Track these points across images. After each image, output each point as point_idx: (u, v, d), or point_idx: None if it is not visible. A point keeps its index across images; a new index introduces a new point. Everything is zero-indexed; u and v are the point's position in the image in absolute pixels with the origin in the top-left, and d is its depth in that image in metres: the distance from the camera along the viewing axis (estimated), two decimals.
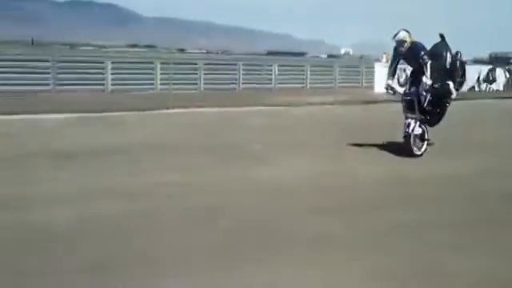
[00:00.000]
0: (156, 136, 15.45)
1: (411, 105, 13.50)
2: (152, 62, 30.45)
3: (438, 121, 13.90)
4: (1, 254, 6.58)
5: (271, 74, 33.72)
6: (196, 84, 30.52)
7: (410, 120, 13.38)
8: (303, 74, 35.47)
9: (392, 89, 13.84)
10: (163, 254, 6.70)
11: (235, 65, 33.53)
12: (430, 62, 13.33)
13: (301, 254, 6.81)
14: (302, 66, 36.49)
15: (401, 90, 14.27)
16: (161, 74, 29.05)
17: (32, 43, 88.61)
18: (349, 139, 14.73)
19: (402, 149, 13.18)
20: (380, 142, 14.40)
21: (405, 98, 13.65)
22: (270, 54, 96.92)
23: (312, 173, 11.29)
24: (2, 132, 15.28)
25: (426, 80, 13.31)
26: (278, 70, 33.97)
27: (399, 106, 13.83)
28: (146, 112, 20.23)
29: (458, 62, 14.02)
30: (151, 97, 24.89)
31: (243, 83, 32.37)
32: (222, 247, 7.00)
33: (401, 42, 13.57)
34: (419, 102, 13.46)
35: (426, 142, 13.57)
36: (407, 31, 13.65)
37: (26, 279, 5.97)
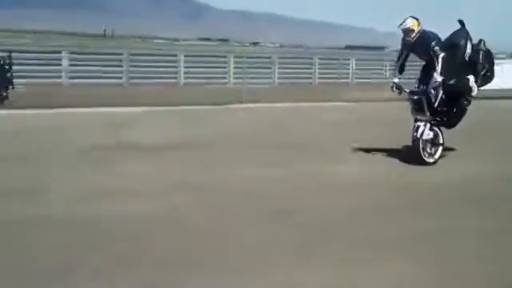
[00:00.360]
0: (230, 130, 15.32)
1: (420, 105, 11.81)
2: (225, 56, 30.18)
3: (455, 123, 12.15)
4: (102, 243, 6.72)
5: (348, 69, 32.96)
6: (270, 78, 30.10)
7: (418, 123, 11.72)
8: (382, 69, 34.52)
9: (398, 88, 12.06)
10: (239, 250, 6.65)
11: (311, 59, 32.98)
12: (442, 55, 11.57)
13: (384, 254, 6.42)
14: (381, 61, 35.52)
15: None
16: (234, 67, 28.72)
17: (105, 36, 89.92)
18: None
19: (411, 156, 11.63)
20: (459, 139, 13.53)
21: (411, 97, 11.94)
22: (348, 48, 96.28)
23: (389, 170, 11.06)
24: (77, 125, 15.22)
25: (436, 76, 11.57)
26: (356, 65, 33.19)
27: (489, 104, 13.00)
28: (219, 106, 19.94)
29: (481, 53, 12.10)
30: (224, 91, 24.61)
31: (319, 78, 31.78)
32: (299, 244, 6.86)
33: (407, 31, 11.85)
34: (429, 101, 11.75)
35: (440, 148, 11.88)
36: (416, 18, 11.91)
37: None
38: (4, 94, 18.48)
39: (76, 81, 24.97)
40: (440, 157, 11.79)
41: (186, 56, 29.19)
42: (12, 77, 18.90)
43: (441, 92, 11.72)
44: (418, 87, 11.95)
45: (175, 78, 28.07)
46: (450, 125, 12.14)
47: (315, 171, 10.77)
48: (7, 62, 18.97)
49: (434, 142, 11.81)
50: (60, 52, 26.30)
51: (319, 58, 33.30)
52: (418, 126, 11.62)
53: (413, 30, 11.78)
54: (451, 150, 12.51)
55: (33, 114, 16.89)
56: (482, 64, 12.14)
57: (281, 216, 7.95)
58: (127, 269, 6.08)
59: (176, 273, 6.02)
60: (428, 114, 11.75)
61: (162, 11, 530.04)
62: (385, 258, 6.48)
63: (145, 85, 24.68)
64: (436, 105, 11.74)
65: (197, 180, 9.83)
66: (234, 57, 29.51)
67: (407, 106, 12.02)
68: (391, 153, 12.34)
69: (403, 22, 11.88)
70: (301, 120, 17.99)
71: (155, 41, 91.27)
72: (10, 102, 18.32)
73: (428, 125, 11.69)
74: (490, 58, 12.42)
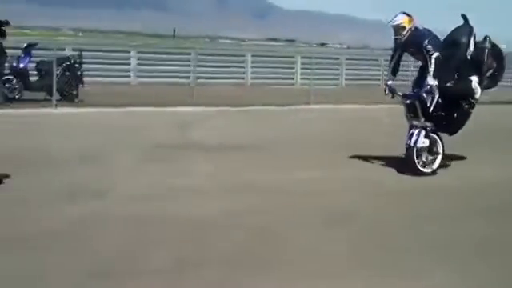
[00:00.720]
0: (296, 131, 15.27)
1: (413, 110, 10.84)
2: (293, 57, 30.06)
3: (456, 129, 11.19)
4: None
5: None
6: (337, 79, 29.85)
7: (413, 129, 10.74)
8: None
9: (392, 91, 11.03)
10: (300, 252, 6.59)
11: (377, 60, 32.58)
12: (435, 55, 10.51)
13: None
14: None
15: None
16: (301, 68, 28.56)
17: (174, 36, 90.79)
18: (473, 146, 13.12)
19: (406, 165, 10.74)
20: None
21: (404, 101, 11.00)
22: None
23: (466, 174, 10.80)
24: (143, 123, 15.33)
25: (429, 79, 10.56)
26: None
27: None
28: (286, 107, 19.85)
29: (486, 51, 11.04)
30: (291, 92, 24.51)
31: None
32: (356, 250, 6.76)
33: (398, 29, 10.79)
34: (423, 106, 10.74)
35: (439, 157, 10.84)
36: (407, 14, 10.86)
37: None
38: (74, 92, 18.74)
39: (144, 80, 25.21)
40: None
41: (253, 56, 29.16)
42: (82, 75, 19.15)
43: (436, 95, 10.68)
44: (413, 90, 11.08)
45: (242, 78, 28.07)
46: (451, 131, 11.21)
47: (381, 175, 10.68)
48: (78, 60, 19.23)
49: (430, 151, 10.82)
50: (129, 51, 26.60)
51: (385, 60, 32.83)
52: (412, 133, 10.69)
53: (403, 27, 10.76)
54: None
55: (101, 112, 17.09)
56: (488, 64, 11.17)
57: (344, 219, 7.88)
58: (192, 267, 6.07)
59: (241, 273, 5.99)
60: (423, 119, 10.79)
61: (229, 11, 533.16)
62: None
63: (212, 85, 24.74)
64: (431, 110, 10.74)
65: (262, 180, 9.82)
66: (302, 57, 29.35)
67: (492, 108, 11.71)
68: (461, 158, 12.06)
69: (393, 18, 10.91)
70: (368, 122, 17.77)
71: (222, 41, 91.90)
72: (80, 100, 18.58)
73: (423, 132, 10.71)
74: (498, 56, 11.45)
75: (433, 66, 10.52)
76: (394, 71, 11.23)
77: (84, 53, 20.27)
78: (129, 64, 25.90)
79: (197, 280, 5.80)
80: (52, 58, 18.43)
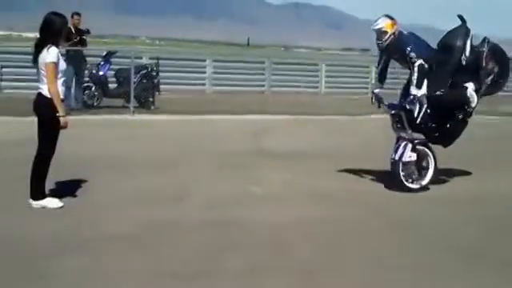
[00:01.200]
0: (370, 141, 15.10)
1: (400, 121, 10.02)
2: (367, 66, 29.87)
3: (450, 140, 10.28)
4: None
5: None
6: None
7: (400, 142, 9.94)
8: None
9: (378, 100, 10.23)
10: (369, 262, 6.55)
11: None
12: (418, 63, 9.61)
13: None
14: None
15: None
16: (375, 78, 28.37)
17: (248, 45, 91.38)
18: None
19: (392, 180, 10.01)
20: None
21: (389, 112, 10.16)
22: None
23: None
24: (218, 131, 15.47)
25: (412, 89, 9.69)
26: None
27: None
28: (360, 116, 19.74)
29: (484, 55, 10.07)
30: (365, 101, 24.31)
31: None
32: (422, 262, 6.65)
33: (379, 33, 9.88)
34: (409, 116, 9.83)
35: (430, 171, 10.01)
36: (390, 18, 9.94)
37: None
38: (151, 99, 19.08)
39: (219, 88, 25.46)
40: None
41: (327, 65, 29.14)
42: (159, 83, 19.49)
43: (424, 105, 9.74)
44: (400, 99, 10.14)
45: (316, 87, 28.07)
46: (445, 143, 10.31)
47: (453, 186, 10.54)
48: (154, 68, 19.58)
49: (419, 165, 10.00)
50: (205, 60, 26.91)
51: None
52: (398, 146, 9.87)
53: (385, 32, 9.84)
54: None
55: (177, 119, 17.34)
56: (488, 69, 10.20)
57: (409, 229, 7.92)
58: (267, 273, 6.17)
59: (314, 280, 6.06)
60: (409, 131, 9.95)
61: (305, 21, 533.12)
62: None
63: (286, 93, 24.81)
64: (418, 120, 9.82)
65: (337, 189, 9.90)
66: (376, 67, 29.11)
67: None
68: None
69: (375, 21, 10.05)
70: None
71: (297, 50, 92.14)
72: (156, 108, 18.91)
73: (410, 145, 9.85)
74: (501, 60, 10.46)
75: (416, 74, 9.67)
76: (381, 79, 10.44)
77: (160, 61, 20.63)
78: (204, 72, 26.20)
79: (270, 285, 5.90)
80: (130, 66, 18.83)
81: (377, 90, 10.29)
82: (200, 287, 5.87)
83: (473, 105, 10.06)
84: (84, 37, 17.87)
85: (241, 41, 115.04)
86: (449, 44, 10.07)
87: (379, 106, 10.32)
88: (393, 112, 10.05)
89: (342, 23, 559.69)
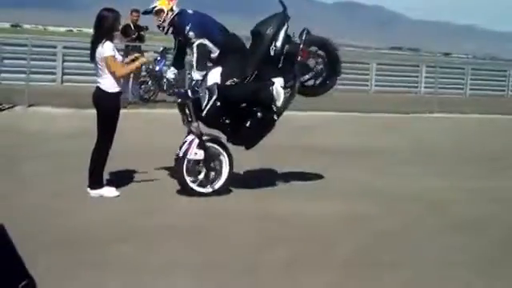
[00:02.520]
0: (418, 140, 15.18)
1: (186, 112, 8.80)
2: (417, 65, 29.87)
3: (250, 141, 9.12)
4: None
5: None
6: (462, 89, 29.47)
7: (188, 136, 8.76)
8: None
9: (170, 86, 9.23)
10: (420, 259, 6.60)
11: (505, 71, 31.86)
12: (197, 43, 8.72)
13: None
14: None
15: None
16: (425, 77, 28.39)
17: None
18: None
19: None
20: None
21: (176, 100, 9.11)
22: None
23: None
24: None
25: (193, 73, 8.81)
26: None
27: None
28: (410, 115, 19.83)
29: (300, 48, 9.02)
30: (415, 100, 24.38)
31: None
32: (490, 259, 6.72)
33: (156, 13, 9.02)
34: (196, 106, 8.65)
35: (223, 175, 8.89)
36: None
37: None
38: None
39: None
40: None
41: (378, 64, 29.20)
42: None
43: (214, 96, 8.54)
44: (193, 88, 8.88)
45: (366, 85, 28.14)
46: (244, 143, 9.09)
47: (503, 187, 10.49)
48: None
49: (208, 166, 8.83)
50: None
51: None
52: (185, 142, 8.70)
53: (161, 10, 8.98)
54: None
55: None
56: (306, 65, 9.25)
57: (466, 229, 7.88)
58: (315, 267, 6.26)
59: (361, 275, 6.16)
60: (196, 124, 8.72)
61: (354, 20, 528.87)
62: None
63: (337, 90, 24.91)
64: (205, 113, 8.64)
65: (385, 186, 9.97)
66: (427, 66, 29.14)
67: None
68: None
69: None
70: (492, 132, 17.62)
71: (347, 49, 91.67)
72: None
73: (197, 140, 8.67)
74: (329, 57, 9.44)
75: (195, 55, 8.72)
76: (176, 63, 9.50)
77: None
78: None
79: (313, 279, 5.98)
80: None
81: (170, 75, 9.30)
82: (247, 280, 5.92)
83: (278, 103, 8.95)
84: (142, 33, 18.30)
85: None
86: (258, 31, 8.99)
87: (170, 94, 9.57)
88: (179, 101, 8.91)
89: (391, 22, 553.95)
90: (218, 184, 8.87)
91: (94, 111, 8.69)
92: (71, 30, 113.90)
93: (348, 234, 7.42)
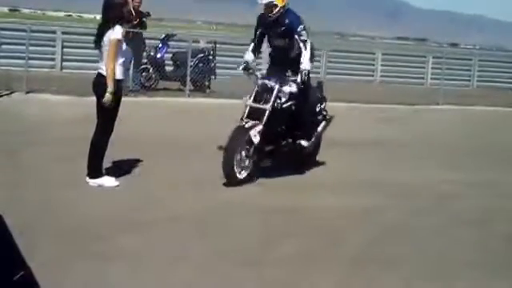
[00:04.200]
0: (424, 131, 15.14)
1: (266, 95, 9.36)
2: (424, 56, 29.60)
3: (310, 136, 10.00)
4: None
5: None
6: (468, 81, 29.19)
7: (251, 122, 9.24)
8: None
9: (248, 69, 9.77)
10: (431, 254, 6.57)
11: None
12: (310, 41, 9.60)
13: None
14: None
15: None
16: (432, 68, 28.11)
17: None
18: None
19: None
20: None
21: (262, 82, 9.54)
22: None
23: None
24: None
25: (305, 64, 9.37)
26: None
27: None
28: (416, 106, 19.63)
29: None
30: (421, 91, 24.19)
31: None
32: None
33: (269, 7, 9.48)
34: (279, 95, 9.35)
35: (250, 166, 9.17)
36: None
37: None
38: (206, 83, 19.22)
39: None
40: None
41: (383, 54, 28.94)
42: (215, 67, 19.60)
43: (293, 102, 9.49)
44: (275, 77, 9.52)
45: (372, 75, 27.92)
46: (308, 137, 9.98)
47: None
48: (211, 52, 19.69)
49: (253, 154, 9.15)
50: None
51: None
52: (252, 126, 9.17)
53: (275, 6, 9.45)
54: None
55: (231, 103, 17.42)
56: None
57: (475, 224, 7.82)
58: (321, 263, 6.23)
59: (370, 270, 6.10)
60: (271, 108, 9.23)
61: (360, 9, 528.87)
62: None
63: (341, 81, 24.76)
64: (278, 107, 9.33)
65: (394, 178, 9.91)
66: (433, 57, 28.87)
67: None
68: None
69: None
70: (499, 125, 17.41)
71: (352, 38, 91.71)
72: (212, 91, 19.04)
73: (261, 126, 9.15)
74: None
75: (309, 51, 9.47)
76: (255, 51, 10.12)
77: (225, 46, 20.72)
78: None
79: (324, 275, 5.94)
80: (187, 50, 18.97)
81: (249, 58, 9.92)
82: (253, 273, 5.91)
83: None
84: (144, 19, 18.04)
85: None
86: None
87: (249, 74, 9.86)
88: (267, 83, 9.45)
89: (397, 12, 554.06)
90: (245, 174, 9.16)
91: (93, 98, 8.62)
92: (70, 15, 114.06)
93: (353, 228, 7.40)
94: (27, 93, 16.06)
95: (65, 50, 21.95)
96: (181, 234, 6.82)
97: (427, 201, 8.81)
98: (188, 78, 18.43)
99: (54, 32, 22.72)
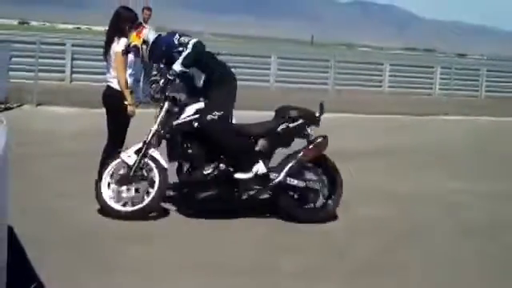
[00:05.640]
0: (435, 142, 15.07)
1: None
2: (432, 67, 29.63)
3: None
4: None
5: None
6: (477, 91, 29.19)
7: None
8: None
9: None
10: (442, 263, 6.52)
11: None
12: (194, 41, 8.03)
13: None
14: None
15: None
16: (440, 78, 28.16)
17: (312, 43, 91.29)
18: None
19: None
20: None
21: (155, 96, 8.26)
22: None
23: None
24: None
25: (175, 66, 7.88)
26: None
27: None
28: (424, 117, 19.67)
29: None
30: (429, 101, 24.22)
31: None
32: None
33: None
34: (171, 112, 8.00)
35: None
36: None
37: None
38: None
39: (283, 85, 25.51)
40: None
41: (391, 65, 28.99)
42: None
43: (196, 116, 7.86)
44: None
45: (380, 86, 27.97)
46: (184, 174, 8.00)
47: None
48: None
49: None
50: (270, 57, 26.96)
51: None
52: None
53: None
54: None
55: (237, 114, 17.46)
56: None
57: (479, 234, 7.83)
58: (328, 272, 6.21)
59: (376, 278, 6.11)
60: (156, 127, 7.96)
61: (368, 20, 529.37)
62: None
63: (349, 91, 24.78)
64: (176, 124, 7.96)
65: (395, 188, 9.86)
66: (442, 67, 28.90)
67: None
68: None
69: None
70: (508, 135, 17.44)
71: (360, 49, 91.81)
72: None
73: (140, 145, 7.85)
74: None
75: (187, 53, 7.93)
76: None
77: (225, 57, 20.78)
78: (269, 69, 26.27)
79: (324, 283, 5.95)
80: None
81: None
82: (258, 285, 5.88)
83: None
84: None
85: (303, 38, 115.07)
86: None
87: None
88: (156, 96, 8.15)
89: (406, 22, 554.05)
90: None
91: (103, 111, 8.57)
92: (79, 28, 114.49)
93: (361, 238, 7.38)
94: (37, 105, 16.16)
95: (74, 62, 22.11)
96: (193, 243, 6.82)
97: (436, 210, 8.79)
98: None
99: (63, 44, 22.89)
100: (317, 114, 8.20)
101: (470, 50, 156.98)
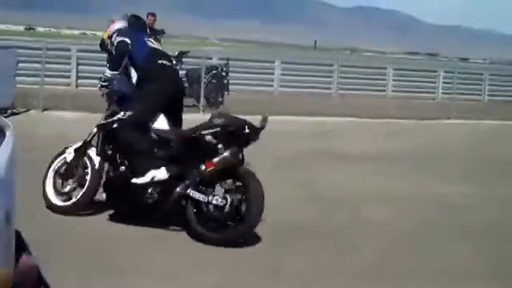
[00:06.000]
0: (436, 146, 15.06)
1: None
2: (435, 71, 29.69)
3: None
4: None
5: None
6: (480, 95, 29.24)
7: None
8: None
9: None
10: (438, 263, 6.49)
11: None
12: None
13: None
14: None
15: None
16: (443, 82, 28.23)
17: (315, 48, 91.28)
18: None
19: None
20: None
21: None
22: None
23: None
24: (284, 132, 15.58)
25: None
26: None
27: None
28: (427, 121, 19.71)
29: None
30: (432, 105, 24.26)
31: None
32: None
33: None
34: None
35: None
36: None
37: None
38: (220, 99, 19.41)
39: (287, 90, 25.59)
40: None
41: (395, 69, 29.06)
42: (228, 83, 19.80)
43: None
44: None
45: (383, 90, 28.04)
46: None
47: None
48: (224, 69, 19.91)
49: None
50: (273, 61, 27.06)
51: None
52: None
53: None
54: None
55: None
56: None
57: (479, 238, 7.83)
58: (328, 274, 6.27)
59: (372, 283, 6.13)
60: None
61: (371, 24, 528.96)
62: None
63: (353, 96, 24.86)
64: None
65: (397, 191, 9.87)
66: (445, 72, 28.97)
67: None
68: None
69: None
70: (510, 139, 17.41)
71: (364, 53, 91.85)
72: (225, 107, 19.18)
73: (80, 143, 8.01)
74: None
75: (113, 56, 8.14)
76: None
77: (230, 62, 20.92)
78: (273, 74, 26.38)
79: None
80: (201, 66, 19.19)
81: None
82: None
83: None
84: (158, 36, 18.22)
85: (306, 43, 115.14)
86: None
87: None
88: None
89: (408, 27, 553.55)
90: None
91: None
92: (85, 33, 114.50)
93: (361, 240, 7.38)
94: (44, 110, 16.27)
95: (80, 67, 22.24)
96: (184, 249, 6.92)
97: (437, 214, 8.81)
98: (202, 94, 18.63)
99: (69, 50, 23.03)
100: (258, 126, 7.54)
101: (472, 54, 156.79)
